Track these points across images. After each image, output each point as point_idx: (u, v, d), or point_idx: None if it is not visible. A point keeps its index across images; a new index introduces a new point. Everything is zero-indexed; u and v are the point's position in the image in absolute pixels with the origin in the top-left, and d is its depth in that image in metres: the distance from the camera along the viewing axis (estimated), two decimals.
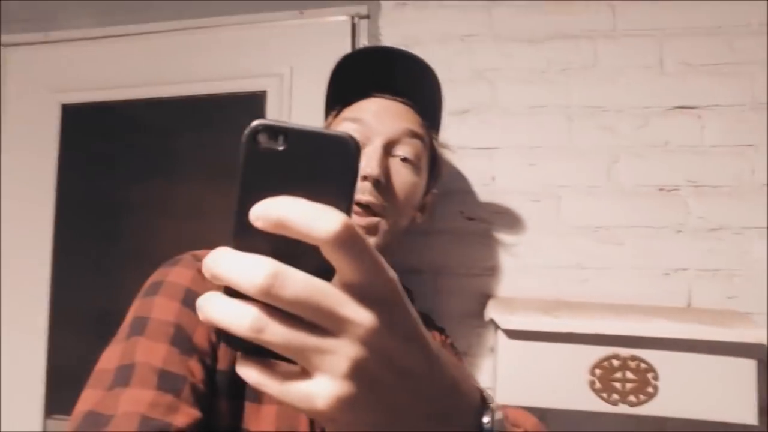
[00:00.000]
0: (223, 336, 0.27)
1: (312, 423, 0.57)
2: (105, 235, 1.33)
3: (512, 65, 1.09)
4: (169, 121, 1.30)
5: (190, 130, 1.30)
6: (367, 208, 0.70)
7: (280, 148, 0.27)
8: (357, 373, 0.26)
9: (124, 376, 0.48)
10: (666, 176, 1.02)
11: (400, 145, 0.75)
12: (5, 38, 1.32)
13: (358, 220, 0.69)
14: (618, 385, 0.87)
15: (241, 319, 0.26)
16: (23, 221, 1.28)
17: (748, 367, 0.84)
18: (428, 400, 0.30)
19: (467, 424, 0.34)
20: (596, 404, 0.87)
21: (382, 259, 0.28)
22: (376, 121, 0.74)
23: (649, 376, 0.86)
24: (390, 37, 1.13)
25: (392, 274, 0.28)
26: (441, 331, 0.91)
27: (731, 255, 0.98)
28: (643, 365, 0.87)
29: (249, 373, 0.28)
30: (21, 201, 1.29)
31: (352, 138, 0.27)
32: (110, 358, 0.50)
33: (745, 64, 1.02)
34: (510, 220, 1.05)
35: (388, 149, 0.73)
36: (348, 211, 0.27)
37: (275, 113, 1.17)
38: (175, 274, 0.58)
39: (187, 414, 0.46)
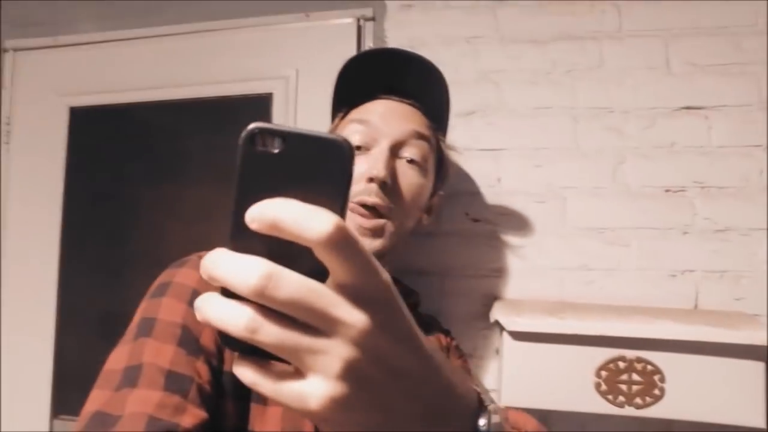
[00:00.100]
0: (222, 336, 0.28)
1: None
2: (112, 237, 1.34)
3: (518, 67, 1.09)
4: (176, 123, 1.31)
5: (196, 132, 1.31)
6: (373, 210, 0.70)
7: (276, 151, 0.27)
8: (350, 373, 0.27)
9: (131, 376, 0.48)
10: (672, 177, 1.02)
11: (406, 146, 0.74)
12: (14, 43, 1.34)
13: (364, 222, 0.69)
14: (624, 387, 0.87)
15: (236, 319, 0.26)
16: (31, 223, 1.30)
17: (755, 370, 0.84)
18: (422, 401, 0.30)
19: (462, 425, 0.34)
20: (602, 406, 0.87)
21: (375, 261, 0.28)
22: (382, 123, 0.74)
23: (656, 378, 0.86)
24: (395, 39, 1.13)
25: (385, 275, 0.28)
26: (446, 333, 0.91)
27: (738, 256, 0.98)
28: (649, 367, 0.86)
29: (244, 372, 0.28)
30: (29, 203, 1.30)
31: (346, 141, 0.27)
32: (118, 358, 0.51)
33: (752, 64, 1.01)
34: (516, 221, 1.05)
35: (394, 151, 0.73)
36: (342, 214, 0.27)
37: (281, 115, 1.17)
38: (182, 276, 0.58)
39: (194, 415, 0.47)
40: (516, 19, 1.10)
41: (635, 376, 0.87)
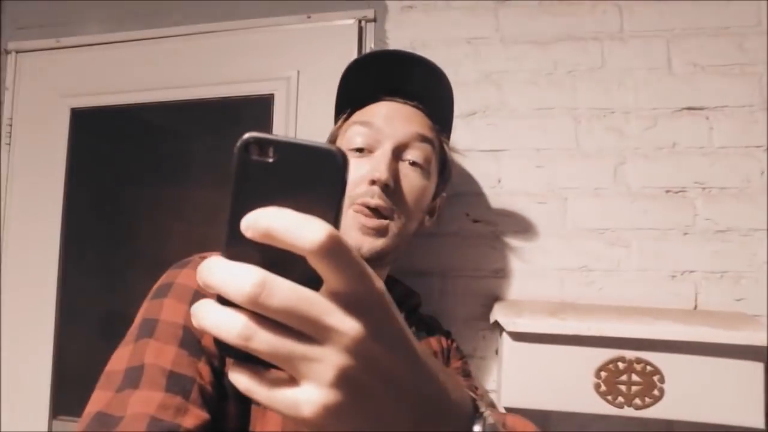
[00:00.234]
0: (217, 342, 0.28)
1: None
2: (113, 238, 1.34)
3: (519, 67, 1.09)
4: (177, 124, 1.31)
5: (198, 133, 1.32)
6: (376, 212, 0.70)
7: (271, 160, 0.27)
8: (343, 381, 0.27)
9: (133, 377, 0.48)
10: (673, 178, 1.02)
11: (409, 149, 0.74)
12: (17, 44, 1.34)
13: (368, 222, 0.69)
14: (623, 387, 0.87)
15: (230, 326, 0.26)
16: (32, 224, 1.30)
17: (755, 370, 0.84)
18: (415, 408, 0.30)
19: (457, 431, 0.34)
20: (601, 407, 0.87)
21: (368, 269, 0.28)
22: (386, 125, 0.74)
23: (655, 378, 0.86)
24: (397, 41, 1.13)
25: (379, 283, 0.29)
26: (447, 334, 0.91)
27: (739, 257, 0.98)
28: (649, 368, 0.87)
29: (239, 379, 0.28)
30: (30, 204, 1.31)
31: (340, 151, 0.28)
32: (120, 359, 0.51)
33: (754, 65, 1.01)
34: (516, 222, 1.05)
35: (397, 153, 0.73)
36: (336, 223, 0.28)
37: (282, 116, 1.18)
38: (184, 277, 0.58)
39: (196, 416, 0.47)
40: (517, 20, 1.10)
41: (635, 377, 0.87)
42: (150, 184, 1.33)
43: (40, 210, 1.30)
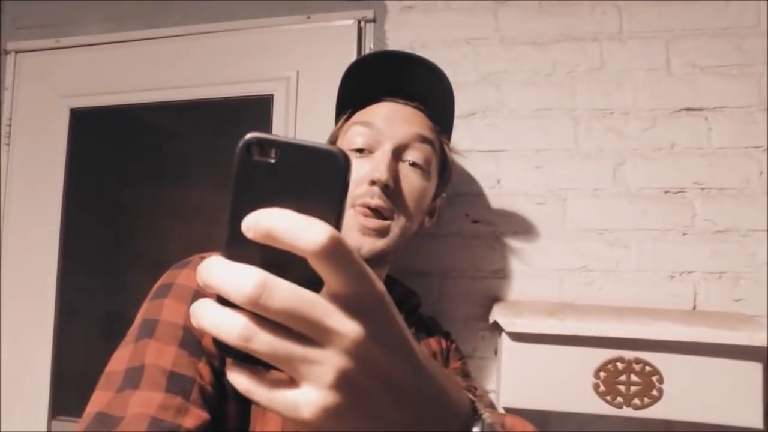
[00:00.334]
0: (216, 342, 0.28)
1: None
2: (113, 238, 1.34)
3: (518, 68, 1.09)
4: (177, 124, 1.31)
5: (197, 133, 1.32)
6: (376, 212, 0.70)
7: (272, 161, 0.27)
8: (343, 383, 0.27)
9: (133, 378, 0.48)
10: (672, 178, 1.02)
11: (410, 149, 0.74)
12: (16, 44, 1.34)
13: (368, 223, 0.69)
14: (622, 388, 0.87)
15: (230, 327, 0.26)
16: (31, 224, 1.30)
17: (754, 371, 0.84)
18: (414, 410, 0.30)
19: None
20: (600, 407, 0.87)
21: (369, 271, 0.28)
22: (386, 126, 0.74)
23: (654, 379, 0.86)
24: (396, 41, 1.13)
25: (380, 285, 0.29)
26: (446, 335, 0.91)
27: (737, 258, 0.98)
28: (647, 368, 0.87)
29: (238, 379, 0.28)
30: (30, 204, 1.31)
31: (342, 152, 0.28)
32: (120, 360, 0.51)
33: (753, 66, 1.01)
34: (515, 222, 1.06)
35: (397, 154, 0.73)
36: (337, 224, 0.27)
37: (281, 117, 1.18)
38: (183, 277, 0.58)
39: (196, 416, 0.47)
40: (516, 21, 1.10)
41: (634, 377, 0.87)
42: (149, 185, 1.33)
43: (39, 210, 1.30)
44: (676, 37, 1.05)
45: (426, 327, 0.88)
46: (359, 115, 0.79)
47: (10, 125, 1.33)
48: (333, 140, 0.82)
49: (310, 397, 0.27)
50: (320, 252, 0.26)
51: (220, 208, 1.25)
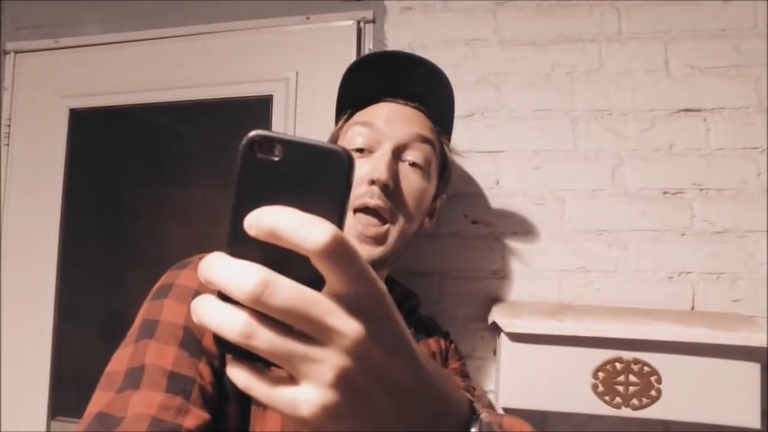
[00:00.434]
0: (217, 339, 0.28)
1: None
2: (112, 239, 1.34)
3: (517, 69, 1.09)
4: (176, 125, 1.32)
5: (196, 133, 1.32)
6: (375, 213, 0.70)
7: (276, 159, 0.27)
8: (342, 382, 0.27)
9: (134, 378, 0.48)
10: (671, 179, 1.02)
11: (410, 150, 0.74)
12: (15, 44, 1.34)
13: (366, 230, 0.69)
14: (621, 388, 0.87)
15: (231, 324, 0.26)
16: (31, 224, 1.30)
17: (751, 371, 0.84)
18: (413, 411, 0.31)
19: None
20: (599, 407, 0.88)
21: (371, 271, 0.28)
22: (386, 126, 0.74)
23: (652, 379, 0.87)
24: (395, 42, 1.14)
25: (381, 285, 0.29)
26: (445, 336, 0.91)
27: (736, 258, 0.98)
28: (646, 368, 0.87)
29: (238, 375, 0.28)
30: (29, 204, 1.31)
31: (346, 151, 0.28)
32: (120, 360, 0.51)
33: (751, 67, 1.02)
34: (514, 223, 1.06)
35: (397, 154, 0.73)
36: (340, 223, 0.28)
37: (281, 117, 1.18)
38: (184, 277, 0.58)
39: (197, 416, 0.47)
40: (515, 22, 1.10)
41: (632, 377, 0.87)
42: (149, 185, 1.33)
43: (38, 210, 1.30)
44: (674, 38, 1.05)
45: (425, 327, 0.88)
46: (359, 115, 0.79)
47: (9, 125, 1.33)
48: (333, 140, 0.82)
49: (309, 396, 0.27)
50: (323, 251, 0.26)
51: (219, 208, 1.25)
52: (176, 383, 0.48)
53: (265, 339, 0.26)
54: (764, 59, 1.01)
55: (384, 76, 0.79)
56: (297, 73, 1.18)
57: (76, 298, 1.30)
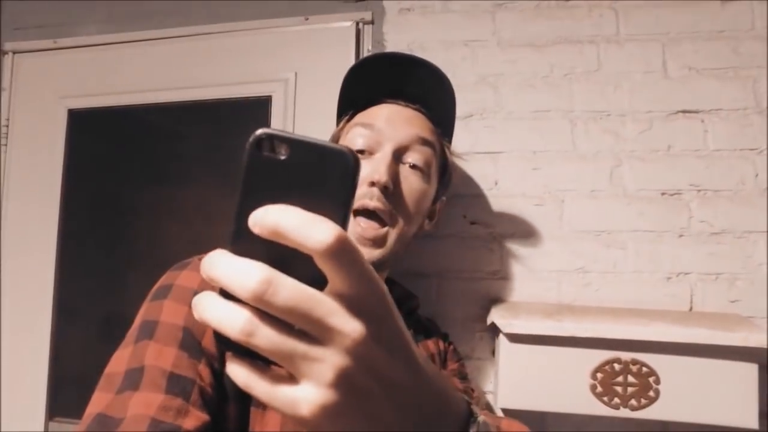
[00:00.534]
0: (217, 336, 0.28)
1: None
2: (111, 239, 1.34)
3: (516, 70, 1.09)
4: (175, 125, 1.31)
5: (195, 134, 1.32)
6: (374, 215, 0.70)
7: (282, 158, 0.27)
8: (342, 382, 0.27)
9: (133, 379, 0.48)
10: (669, 180, 1.02)
11: (410, 152, 0.74)
12: (14, 45, 1.34)
13: (365, 232, 0.69)
14: (619, 389, 0.88)
15: (232, 321, 0.26)
16: (29, 225, 1.30)
17: (749, 371, 0.85)
18: (412, 412, 0.31)
19: None
20: (597, 408, 0.88)
21: (373, 272, 0.28)
22: (387, 127, 0.74)
23: (651, 380, 0.87)
24: (394, 43, 1.14)
25: (383, 287, 0.29)
26: (444, 337, 0.91)
27: (734, 259, 0.99)
28: (644, 369, 0.87)
29: (238, 373, 0.28)
30: (27, 205, 1.30)
31: (352, 152, 0.28)
32: (120, 361, 0.51)
33: (749, 68, 1.02)
34: (513, 224, 1.06)
35: (398, 156, 0.73)
36: (344, 223, 0.28)
37: (280, 118, 1.18)
38: (183, 278, 0.58)
39: (196, 417, 0.47)
40: (514, 23, 1.10)
41: (630, 378, 0.87)
42: (147, 185, 1.33)
43: (37, 211, 1.30)
44: (672, 39, 1.05)
45: (424, 329, 0.88)
46: (360, 116, 0.79)
47: (7, 126, 1.33)
48: (334, 141, 0.82)
49: (309, 395, 0.27)
50: (326, 251, 0.26)
51: (219, 209, 1.25)
52: (176, 384, 0.48)
53: (266, 337, 0.26)
54: (762, 61, 1.02)
55: (385, 78, 0.79)
56: (296, 73, 1.19)
57: (75, 299, 1.29)
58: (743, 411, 0.84)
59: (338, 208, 0.28)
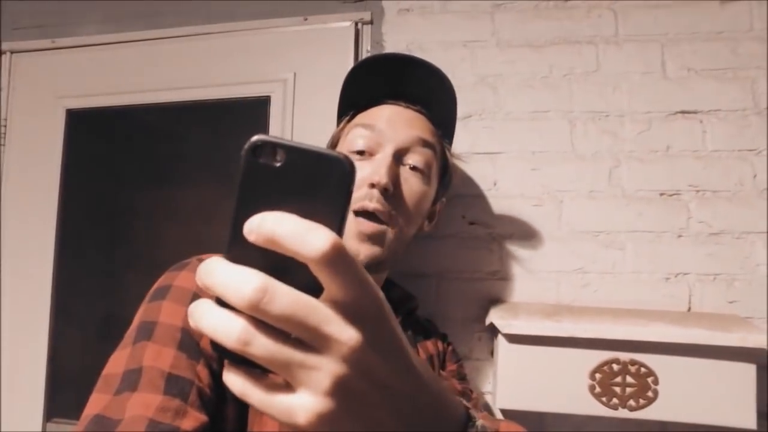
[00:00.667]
0: (213, 343, 0.28)
1: None
2: (109, 240, 1.34)
3: (515, 71, 1.09)
4: (174, 125, 1.31)
5: (194, 134, 1.32)
6: (373, 216, 0.70)
7: (278, 164, 0.27)
8: (339, 390, 0.27)
9: (131, 380, 0.48)
10: (667, 181, 1.02)
11: (411, 153, 0.74)
12: (12, 44, 1.34)
13: (365, 229, 0.69)
14: (618, 389, 0.88)
15: (228, 330, 0.26)
16: (27, 225, 1.29)
17: (747, 372, 0.85)
18: (410, 418, 0.31)
19: None
20: (596, 408, 0.88)
21: (369, 279, 0.28)
22: (388, 128, 0.74)
23: (649, 380, 0.87)
24: (393, 43, 1.14)
25: (379, 293, 0.29)
26: (443, 338, 0.91)
27: (732, 259, 0.99)
28: (643, 369, 0.87)
29: (234, 381, 0.28)
30: (25, 205, 1.30)
31: (348, 159, 0.28)
32: (118, 362, 0.51)
33: (747, 69, 1.02)
34: (512, 224, 1.06)
35: (398, 157, 0.73)
36: (340, 230, 0.28)
37: (278, 118, 1.18)
38: (182, 279, 0.58)
39: (195, 418, 0.47)
40: (513, 24, 1.10)
41: (629, 379, 0.87)
42: (146, 186, 1.33)
43: (35, 211, 1.29)
44: (671, 40, 1.05)
45: (423, 329, 0.88)
46: (361, 117, 0.78)
47: (5, 126, 1.33)
48: (334, 141, 0.82)
49: (305, 403, 0.27)
50: (322, 259, 0.26)
51: (217, 209, 1.25)
52: (174, 385, 0.48)
53: (262, 346, 0.26)
54: (760, 62, 1.02)
55: (386, 79, 0.79)
56: (295, 74, 1.18)
57: (73, 299, 1.29)
58: (741, 411, 0.84)
59: (334, 215, 0.28)
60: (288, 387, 0.28)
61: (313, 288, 0.27)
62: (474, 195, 1.08)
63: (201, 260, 0.61)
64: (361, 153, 0.73)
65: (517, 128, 1.08)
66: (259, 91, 1.20)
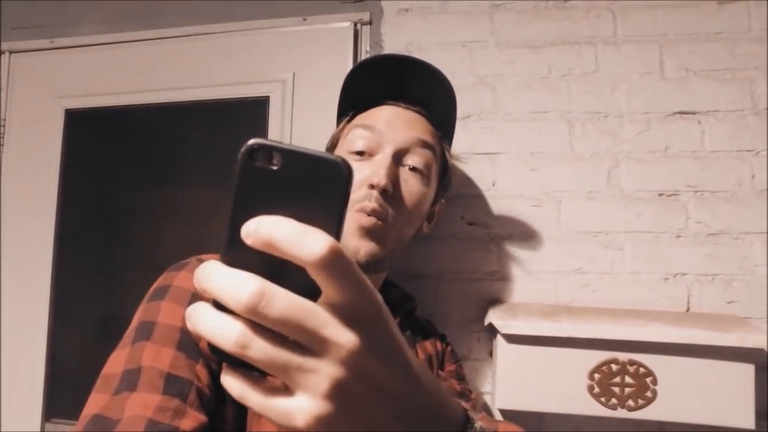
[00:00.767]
0: (211, 346, 0.28)
1: None
2: (108, 240, 1.34)
3: (514, 71, 1.09)
4: (173, 125, 1.31)
5: (193, 134, 1.32)
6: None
7: (274, 168, 0.27)
8: (337, 393, 0.27)
9: (130, 380, 0.48)
10: (666, 181, 1.03)
11: (410, 154, 0.74)
12: (11, 44, 1.34)
13: (364, 222, 0.69)
14: (617, 389, 0.88)
15: (226, 333, 0.26)
16: (26, 225, 1.29)
17: (746, 372, 0.85)
18: (408, 420, 0.31)
19: None
20: (595, 408, 0.88)
21: (367, 282, 0.28)
22: (387, 129, 0.74)
23: (648, 380, 0.87)
24: (392, 44, 1.14)
25: (377, 296, 0.29)
26: (442, 338, 0.91)
27: (731, 260, 0.99)
28: (642, 370, 0.87)
29: (232, 384, 0.28)
30: (24, 205, 1.30)
31: (345, 162, 0.28)
32: (117, 362, 0.51)
33: (746, 70, 1.02)
34: (511, 225, 1.06)
35: (398, 158, 0.73)
36: (337, 234, 0.28)
37: (277, 118, 1.18)
38: (181, 279, 0.58)
39: (194, 418, 0.47)
40: (512, 24, 1.11)
41: (628, 379, 0.88)
42: (145, 186, 1.33)
43: (34, 211, 1.29)
44: (670, 41, 1.06)
45: (422, 330, 0.88)
46: (361, 118, 0.78)
47: (4, 126, 1.32)
48: (334, 142, 0.82)
49: (303, 406, 0.27)
50: (319, 262, 0.26)
51: (216, 209, 1.25)
52: (173, 385, 0.48)
53: (260, 349, 0.26)
54: (759, 62, 1.02)
55: (386, 79, 0.79)
56: (294, 74, 1.18)
57: (72, 299, 1.29)
58: (740, 411, 0.84)
59: (331, 219, 0.28)
60: (286, 390, 0.28)
61: (311, 291, 0.27)
62: (473, 195, 1.08)
63: (200, 260, 0.61)
64: (360, 154, 0.73)
65: (516, 129, 1.08)
66: (259, 92, 1.20)
